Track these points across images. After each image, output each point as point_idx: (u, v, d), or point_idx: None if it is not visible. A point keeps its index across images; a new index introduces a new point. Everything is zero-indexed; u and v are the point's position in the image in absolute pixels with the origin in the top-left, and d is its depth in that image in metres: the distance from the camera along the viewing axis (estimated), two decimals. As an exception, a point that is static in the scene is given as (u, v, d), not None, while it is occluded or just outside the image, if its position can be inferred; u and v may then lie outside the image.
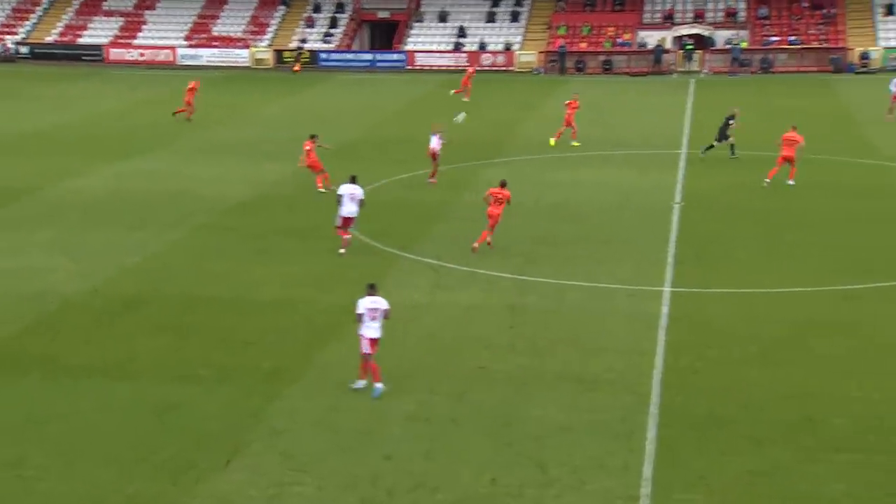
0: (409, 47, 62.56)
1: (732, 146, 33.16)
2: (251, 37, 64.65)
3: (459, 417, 15.24)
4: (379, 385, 15.95)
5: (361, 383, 16.14)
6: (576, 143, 36.01)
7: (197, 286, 21.43)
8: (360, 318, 15.92)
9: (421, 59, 61.30)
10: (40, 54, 63.57)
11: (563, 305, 20.08)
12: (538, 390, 16.11)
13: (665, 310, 19.53)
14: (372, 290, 16.15)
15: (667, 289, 20.75)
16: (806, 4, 60.68)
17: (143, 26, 65.96)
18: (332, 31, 64.74)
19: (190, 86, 42.37)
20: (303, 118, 41.93)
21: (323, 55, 62.40)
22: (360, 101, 49.36)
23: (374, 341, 15.99)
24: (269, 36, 64.90)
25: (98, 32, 65.43)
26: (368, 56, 62.85)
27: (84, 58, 63.18)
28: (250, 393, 16.12)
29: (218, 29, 65.47)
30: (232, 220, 26.80)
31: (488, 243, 23.56)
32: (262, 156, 35.21)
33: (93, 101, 48.50)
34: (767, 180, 29.21)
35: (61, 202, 28.62)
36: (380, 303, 16.01)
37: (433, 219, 26.78)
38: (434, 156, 30.04)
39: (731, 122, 33.14)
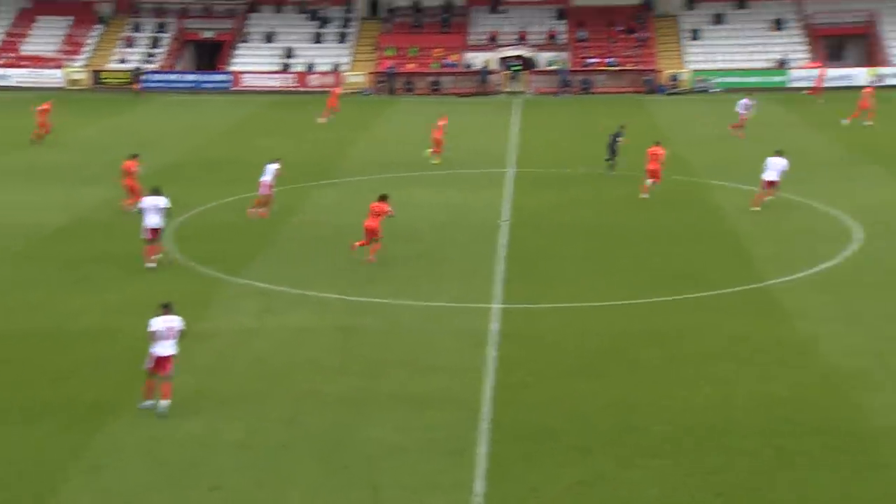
0: (234, 68, 61.66)
1: (612, 162, 34.76)
2: (65, 56, 62.26)
3: (291, 442, 15.03)
4: (165, 402, 15.77)
5: (149, 403, 15.88)
6: (429, 154, 37.11)
7: (10, 318, 20.40)
8: (154, 336, 15.79)
9: (247, 80, 60.52)
10: None
11: (395, 325, 20.13)
12: (371, 411, 16.08)
13: (496, 326, 19.87)
14: (167, 309, 16.09)
15: (497, 305, 21.12)
16: (620, 28, 63.35)
17: (-56, 44, 62.66)
18: (154, 51, 63.11)
19: (42, 107, 40.98)
20: (123, 141, 40.64)
21: (145, 75, 60.71)
22: (184, 122, 48.26)
23: (167, 359, 15.84)
24: (84, 56, 62.69)
25: None
26: (192, 77, 61.59)
27: None
28: (69, 428, 15.43)
29: (28, 48, 62.76)
30: (47, 247, 25.65)
31: (371, 259, 23.95)
32: (80, 180, 33.90)
33: None
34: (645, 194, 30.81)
35: None
36: (175, 321, 15.96)
37: (262, 242, 26.40)
38: (268, 189, 29.06)
39: (619, 138, 34.82)
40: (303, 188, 32.61)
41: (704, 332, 19.37)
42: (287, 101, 56.01)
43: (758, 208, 28.73)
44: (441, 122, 38.47)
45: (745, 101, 42.80)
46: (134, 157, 29.12)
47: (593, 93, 58.80)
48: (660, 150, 31.27)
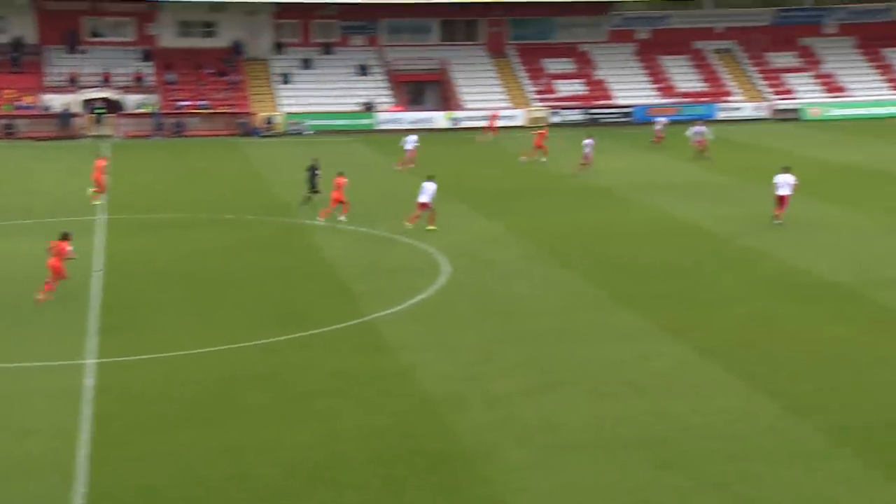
0: None
1: (311, 196, 35.38)
2: None
3: None
4: None
5: None
6: (91, 195, 36.39)
7: None
8: None
9: None
10: None
11: (-26, 390, 18.45)
12: (-53, 489, 14.55)
13: (90, 382, 18.83)
14: None
15: (91, 361, 20.04)
16: (210, 71, 63.24)
17: None
18: None
19: None
20: None
21: None
22: None
23: None
24: None
25: None
26: None
27: None
28: None
29: None
30: None
31: (46, 293, 23.88)
32: None
33: None
34: (320, 219, 33.34)
35: None
36: None
37: None
38: None
39: (317, 171, 35.70)
40: None
41: (310, 370, 19.68)
42: None
43: (423, 227, 31.87)
44: (100, 164, 37.46)
45: (411, 136, 45.85)
46: None
47: (186, 135, 58.04)
48: (342, 180, 33.32)
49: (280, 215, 34.79)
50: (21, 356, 20.28)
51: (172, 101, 60.36)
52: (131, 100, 59.79)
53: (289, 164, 46.52)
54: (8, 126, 56.62)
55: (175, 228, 32.80)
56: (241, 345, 21.10)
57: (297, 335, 21.71)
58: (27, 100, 58.29)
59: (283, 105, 62.10)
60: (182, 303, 24.38)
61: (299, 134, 59.43)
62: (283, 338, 21.52)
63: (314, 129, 59.86)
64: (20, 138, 55.89)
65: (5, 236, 31.37)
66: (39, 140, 55.35)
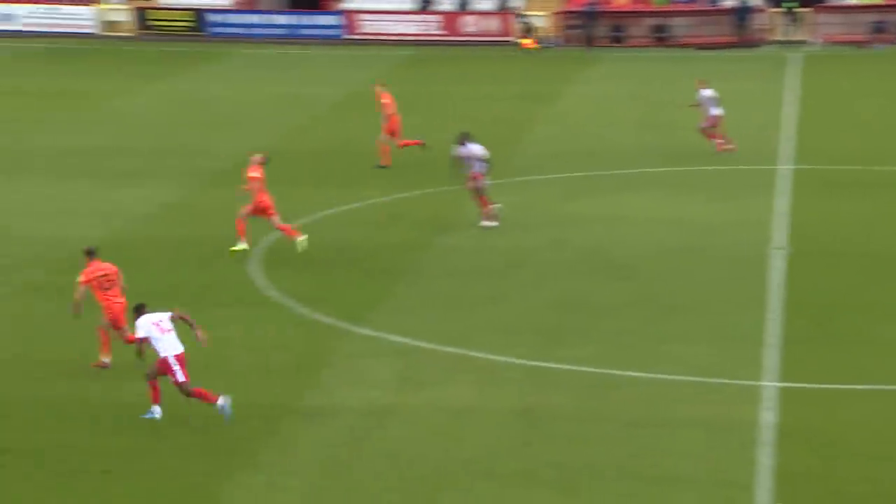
0: (348, 6, 62.80)
1: None
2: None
3: None
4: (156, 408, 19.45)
5: (156, 410, 19.64)
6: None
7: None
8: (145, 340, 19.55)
9: (369, 25, 61.96)
10: None
11: (603, 408, 19.86)
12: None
13: (769, 417, 19.26)
14: (141, 310, 19.62)
15: (770, 383, 20.66)
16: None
17: None
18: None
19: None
20: (184, 116, 42.88)
21: (214, 17, 62.14)
22: (274, 90, 48.75)
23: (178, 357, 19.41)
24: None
25: None
26: (285, 19, 62.96)
27: None
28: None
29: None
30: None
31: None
32: (118, 175, 35.15)
33: None
34: None
35: None
36: (163, 317, 19.58)
37: (397, 273, 26.96)
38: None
39: None
40: (447, 192, 32.33)
41: None
42: (430, 56, 56.48)
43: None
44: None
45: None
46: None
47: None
48: None
49: None
50: (666, 365, 21.42)
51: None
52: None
53: None
54: (659, 27, 58.59)
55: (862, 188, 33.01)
56: None
57: None
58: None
59: None
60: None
61: None
62: None
63: None
64: (674, 45, 57.67)
65: (646, 191, 33.32)
66: (703, 48, 56.60)
